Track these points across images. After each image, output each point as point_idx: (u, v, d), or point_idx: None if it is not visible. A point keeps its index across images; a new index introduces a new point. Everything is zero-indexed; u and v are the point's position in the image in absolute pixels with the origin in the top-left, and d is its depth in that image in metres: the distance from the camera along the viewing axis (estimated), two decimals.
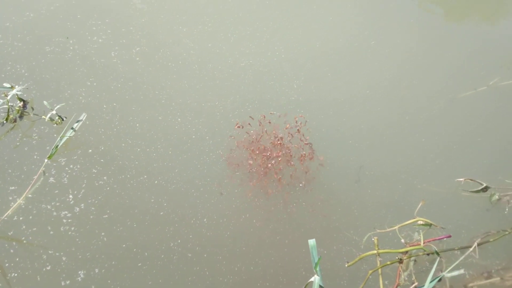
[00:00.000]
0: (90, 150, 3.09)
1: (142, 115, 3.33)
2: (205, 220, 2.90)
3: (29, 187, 2.85)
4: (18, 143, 3.08)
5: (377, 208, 3.13)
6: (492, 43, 4.42)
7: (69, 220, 2.77)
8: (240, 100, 3.50)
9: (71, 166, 3.00)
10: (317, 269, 2.23)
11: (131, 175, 2.99)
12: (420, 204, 2.76)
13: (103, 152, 3.09)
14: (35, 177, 2.89)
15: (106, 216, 2.82)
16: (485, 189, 3.25)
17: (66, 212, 2.80)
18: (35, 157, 3.02)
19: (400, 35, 4.29)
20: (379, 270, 2.56)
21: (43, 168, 2.95)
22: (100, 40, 3.72)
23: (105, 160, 3.05)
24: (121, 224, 2.81)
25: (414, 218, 2.65)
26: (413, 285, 2.57)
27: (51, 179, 2.93)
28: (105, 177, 2.96)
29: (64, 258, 2.66)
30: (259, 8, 4.20)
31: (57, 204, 2.82)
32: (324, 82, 3.74)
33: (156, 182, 3.00)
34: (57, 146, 2.94)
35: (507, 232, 3.08)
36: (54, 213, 2.77)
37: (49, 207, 2.81)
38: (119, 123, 3.28)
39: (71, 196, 2.86)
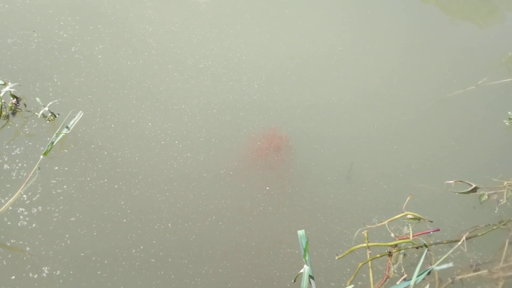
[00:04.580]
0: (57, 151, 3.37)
1: (117, 115, 3.64)
2: (169, 225, 3.15)
3: (24, 183, 3.11)
4: (11, 140, 3.36)
5: (365, 206, 3.49)
6: (481, 44, 4.86)
7: (27, 219, 3.03)
8: (204, 102, 3.84)
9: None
10: (306, 258, 2.46)
11: (91, 178, 3.27)
12: (408, 198, 3.07)
13: (68, 152, 3.38)
14: (30, 173, 3.17)
15: (68, 219, 3.07)
16: (475, 189, 3.53)
17: (23, 209, 3.06)
18: (29, 153, 3.29)
19: (381, 38, 4.69)
20: (369, 263, 2.82)
21: (38, 165, 3.22)
22: (65, 35, 4.07)
23: (68, 161, 3.33)
24: (79, 230, 3.05)
25: (403, 212, 2.95)
26: (402, 277, 2.81)
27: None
28: (64, 186, 3.22)
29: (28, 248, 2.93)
30: (230, 11, 4.61)
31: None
32: (288, 84, 4.12)
33: (116, 186, 3.26)
34: (52, 143, 3.20)
35: (494, 227, 3.36)
36: (10, 208, 3.04)
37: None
38: (99, 120, 3.59)
39: (25, 196, 3.12)
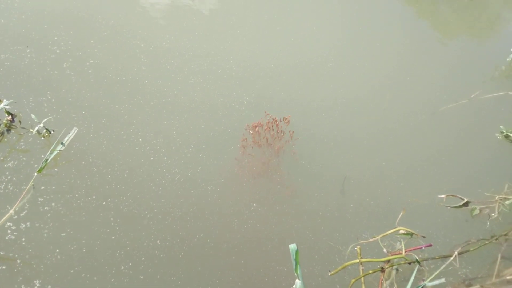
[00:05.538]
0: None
1: (110, 131, 3.71)
2: (158, 242, 3.20)
3: (19, 200, 3.18)
4: (5, 157, 3.42)
5: (354, 223, 3.54)
6: (475, 58, 4.95)
7: (15, 233, 3.09)
8: (193, 117, 3.92)
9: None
10: (298, 272, 2.52)
11: (79, 195, 3.33)
12: (401, 213, 3.14)
13: (59, 169, 3.44)
14: (25, 191, 3.24)
15: (59, 235, 3.12)
16: (466, 204, 3.60)
17: (10, 224, 3.11)
18: (23, 170, 3.36)
19: (373, 53, 4.77)
20: (362, 279, 2.87)
21: (32, 182, 3.29)
22: (58, 51, 4.15)
23: (58, 178, 3.39)
24: (70, 246, 3.10)
25: (396, 227, 3.02)
26: None
27: None
28: (53, 203, 3.27)
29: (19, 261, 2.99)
30: (221, 28, 4.71)
31: None
32: (277, 101, 4.18)
33: (104, 203, 3.32)
34: (47, 160, 3.28)
35: (486, 242, 3.41)
36: None
37: None
38: (92, 136, 3.66)
39: (12, 212, 3.18)
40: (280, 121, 3.89)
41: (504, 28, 5.44)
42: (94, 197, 3.33)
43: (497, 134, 4.21)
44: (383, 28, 5.03)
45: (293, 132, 3.91)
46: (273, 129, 3.83)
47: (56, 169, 3.42)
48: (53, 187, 3.32)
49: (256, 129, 3.81)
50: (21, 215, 3.14)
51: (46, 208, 3.21)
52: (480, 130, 4.26)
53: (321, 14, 5.07)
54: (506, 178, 3.89)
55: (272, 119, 3.86)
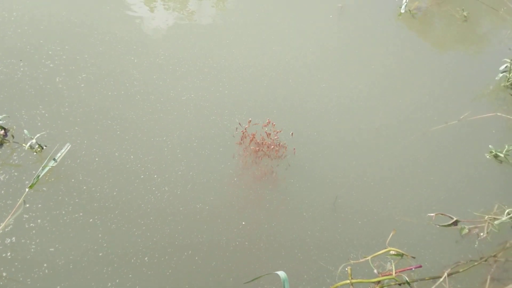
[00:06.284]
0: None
1: (103, 148, 3.71)
2: (146, 259, 3.19)
3: (9, 216, 3.18)
4: None
5: (343, 243, 3.54)
6: (466, 78, 5.01)
7: (0, 247, 3.08)
8: (185, 134, 3.93)
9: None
10: None
11: (66, 211, 3.32)
12: (392, 233, 3.15)
13: (47, 186, 3.43)
14: (15, 207, 3.23)
15: (47, 249, 3.11)
16: (455, 223, 3.62)
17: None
18: (14, 185, 3.36)
19: (366, 74, 4.83)
20: None
21: (23, 198, 3.29)
22: (51, 65, 4.17)
23: (45, 195, 3.38)
24: (58, 261, 3.09)
25: (386, 247, 3.03)
26: None
27: None
28: (39, 220, 3.26)
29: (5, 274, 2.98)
30: (216, 45, 4.75)
31: None
32: (269, 119, 4.17)
33: (91, 220, 3.31)
34: (38, 176, 3.30)
35: (476, 263, 3.42)
36: None
37: None
38: (84, 153, 3.66)
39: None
40: (274, 145, 3.91)
41: (495, 48, 5.51)
42: (81, 214, 3.32)
43: (486, 154, 4.24)
44: (376, 50, 5.10)
45: (286, 147, 3.94)
46: (263, 147, 3.85)
47: (45, 188, 3.41)
48: (39, 205, 3.31)
49: (245, 148, 3.84)
50: (6, 230, 3.13)
51: (32, 224, 3.20)
52: (470, 150, 4.29)
53: (318, 36, 5.13)
54: (495, 198, 3.92)
55: (264, 142, 3.88)
